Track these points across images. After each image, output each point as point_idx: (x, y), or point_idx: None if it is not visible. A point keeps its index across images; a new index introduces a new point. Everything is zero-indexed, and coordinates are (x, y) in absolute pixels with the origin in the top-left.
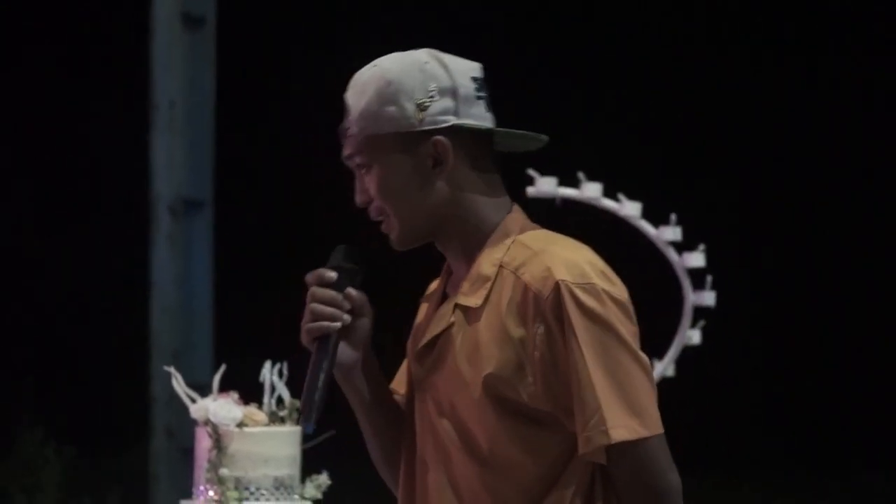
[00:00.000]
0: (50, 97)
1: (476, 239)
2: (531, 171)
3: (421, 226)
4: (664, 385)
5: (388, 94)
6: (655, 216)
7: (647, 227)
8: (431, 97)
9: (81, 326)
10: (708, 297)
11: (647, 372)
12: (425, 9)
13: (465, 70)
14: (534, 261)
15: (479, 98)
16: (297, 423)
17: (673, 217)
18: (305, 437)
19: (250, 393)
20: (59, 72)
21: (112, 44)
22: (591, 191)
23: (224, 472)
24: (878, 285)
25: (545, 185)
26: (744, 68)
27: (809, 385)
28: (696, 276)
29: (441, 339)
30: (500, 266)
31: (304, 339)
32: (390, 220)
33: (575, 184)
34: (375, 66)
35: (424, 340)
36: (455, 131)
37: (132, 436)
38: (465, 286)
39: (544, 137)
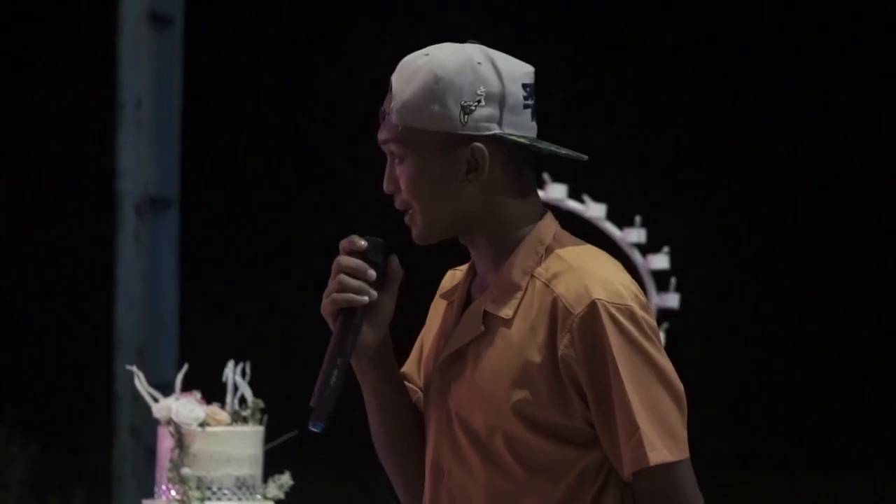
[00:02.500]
0: (16, 95)
1: (505, 244)
2: None
3: (445, 226)
4: None
5: (435, 91)
6: (620, 218)
7: (611, 229)
8: (478, 101)
9: (46, 324)
10: (672, 300)
11: (679, 397)
12: (398, 10)
13: (517, 75)
14: (569, 275)
15: (526, 107)
16: (312, 419)
17: (638, 219)
18: (298, 437)
19: (213, 392)
20: (27, 70)
21: (80, 42)
22: (555, 192)
23: (186, 471)
24: (846, 286)
25: None
26: (711, 68)
27: (774, 385)
28: (661, 278)
29: (470, 349)
30: (532, 276)
31: (326, 309)
32: (414, 216)
33: (539, 185)
34: (427, 55)
35: (451, 349)
36: (496, 140)
37: (97, 434)
38: (494, 293)
39: (584, 157)
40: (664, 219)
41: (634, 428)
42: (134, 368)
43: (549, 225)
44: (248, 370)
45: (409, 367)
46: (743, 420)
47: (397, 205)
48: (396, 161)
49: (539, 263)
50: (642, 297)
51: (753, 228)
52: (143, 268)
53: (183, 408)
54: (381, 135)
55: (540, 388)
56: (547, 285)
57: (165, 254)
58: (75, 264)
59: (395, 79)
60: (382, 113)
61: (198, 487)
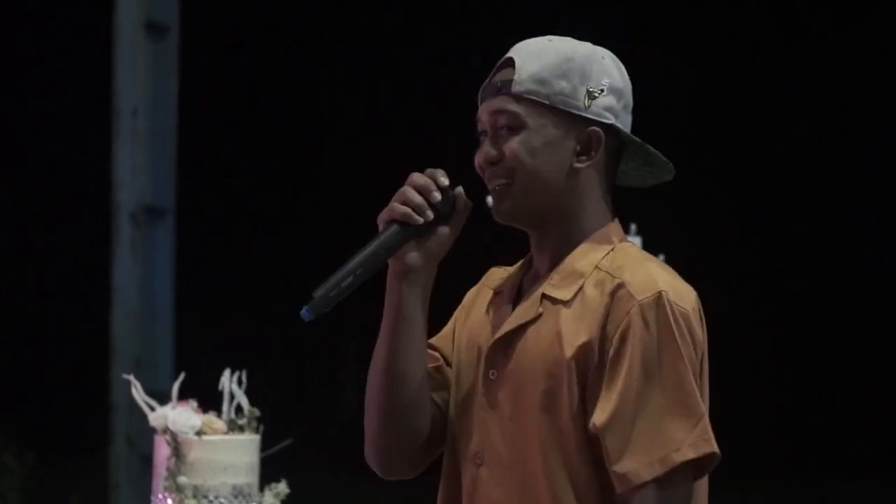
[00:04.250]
0: (12, 103)
1: (575, 238)
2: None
3: (537, 202)
4: None
5: (565, 69)
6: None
7: None
8: (602, 90)
9: (42, 333)
10: None
11: (689, 415)
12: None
13: (630, 81)
14: (636, 267)
15: (630, 112)
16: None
17: (633, 227)
18: (293, 445)
19: (210, 401)
20: (22, 78)
21: (76, 51)
22: None
23: (183, 480)
24: (850, 289)
25: None
26: (708, 70)
27: (779, 391)
28: None
29: (526, 331)
30: (597, 267)
31: (382, 217)
32: (511, 188)
33: None
34: (551, 41)
35: (506, 329)
36: (611, 131)
37: (93, 443)
38: (555, 278)
39: (672, 169)
40: (659, 226)
41: (630, 425)
42: (130, 377)
43: (618, 227)
44: (244, 378)
45: (439, 340)
46: (748, 426)
47: (489, 175)
48: (505, 132)
49: (605, 258)
50: (701, 312)
51: (751, 235)
52: (140, 277)
53: (179, 416)
54: (492, 105)
55: (590, 366)
56: (611, 274)
57: (161, 263)
58: (71, 273)
59: (518, 54)
60: (494, 87)
61: (194, 496)
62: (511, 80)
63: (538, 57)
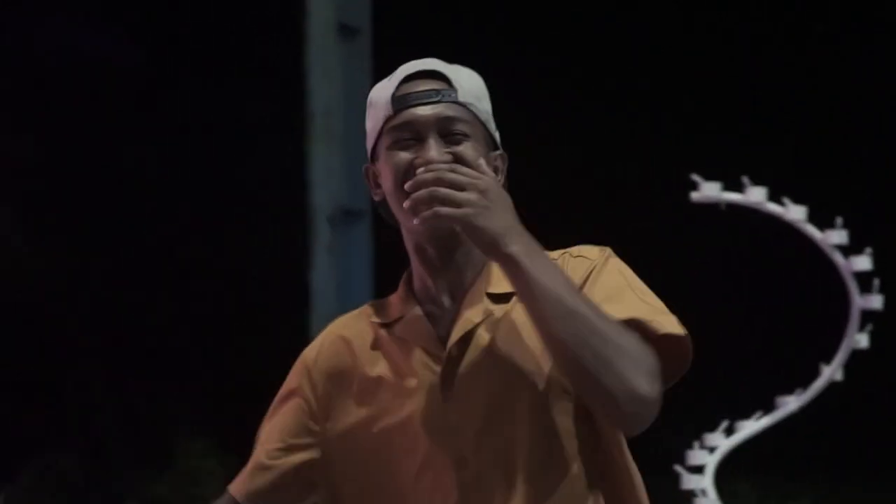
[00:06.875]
0: (206, 108)
1: (478, 256)
2: (695, 177)
3: None
4: (832, 389)
5: (484, 92)
6: (821, 219)
7: (812, 231)
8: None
9: (241, 337)
10: (875, 301)
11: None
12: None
13: None
14: (571, 249)
15: None
16: None
17: (839, 220)
18: None
19: None
20: (216, 83)
21: (269, 55)
22: (755, 195)
23: None
24: None
25: (710, 190)
26: None
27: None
28: (863, 280)
29: (481, 330)
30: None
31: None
32: None
33: (739, 188)
34: (450, 64)
35: (458, 335)
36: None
37: None
38: (492, 278)
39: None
40: (866, 219)
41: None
42: None
43: None
44: None
45: (290, 433)
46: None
47: None
48: (458, 137)
49: None
50: None
51: None
52: (337, 278)
53: None
54: (438, 110)
55: None
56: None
57: (358, 264)
58: (269, 275)
59: (446, 69)
60: (432, 94)
61: None
62: (452, 89)
63: (461, 73)
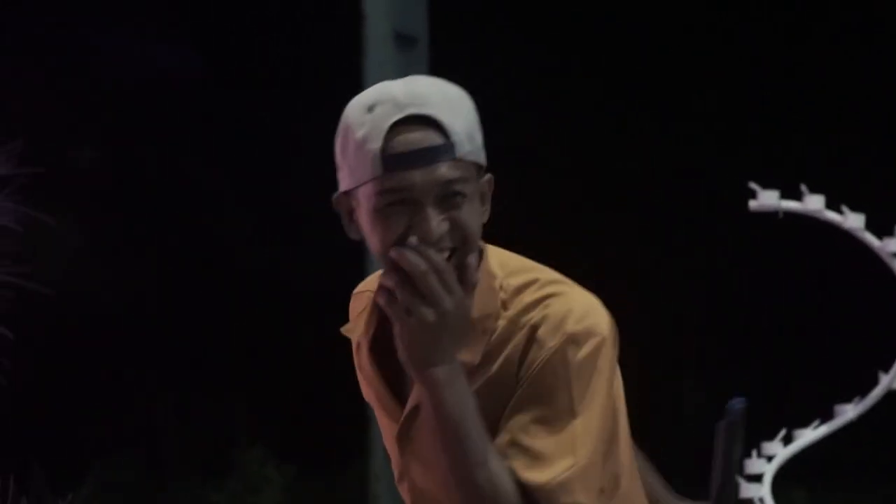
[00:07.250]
0: (261, 119)
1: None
2: (753, 185)
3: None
4: (890, 397)
5: (474, 117)
6: (880, 227)
7: (871, 239)
8: None
9: (301, 347)
10: None
11: None
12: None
13: None
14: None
15: None
16: None
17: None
18: None
19: None
20: (272, 93)
21: (325, 64)
22: (813, 203)
23: None
24: None
25: (767, 199)
26: None
27: None
28: None
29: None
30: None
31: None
32: (449, 260)
33: (797, 196)
34: (436, 84)
35: (409, 408)
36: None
37: (353, 455)
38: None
39: None
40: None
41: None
42: None
43: (492, 253)
44: None
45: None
46: None
47: (446, 248)
48: (458, 200)
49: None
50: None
51: None
52: None
53: None
54: (446, 174)
55: None
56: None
57: None
58: (327, 286)
59: (436, 110)
60: (428, 153)
61: None
62: (450, 144)
63: (457, 110)
